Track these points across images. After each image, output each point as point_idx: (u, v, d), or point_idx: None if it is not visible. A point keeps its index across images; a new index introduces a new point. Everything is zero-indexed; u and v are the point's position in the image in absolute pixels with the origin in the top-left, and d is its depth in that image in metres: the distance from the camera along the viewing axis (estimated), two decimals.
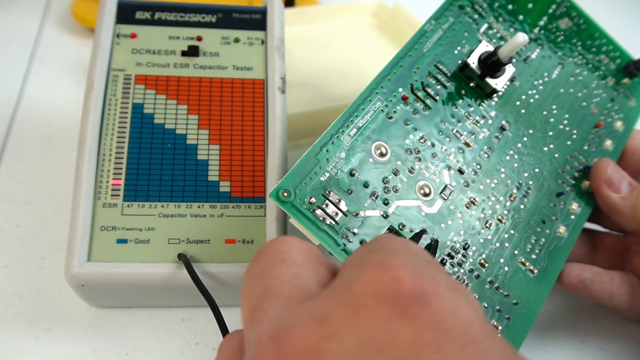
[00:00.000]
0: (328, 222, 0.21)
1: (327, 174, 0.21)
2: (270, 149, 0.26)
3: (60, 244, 0.28)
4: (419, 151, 0.23)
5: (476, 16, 0.25)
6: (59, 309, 0.26)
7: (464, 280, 0.22)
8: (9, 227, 0.29)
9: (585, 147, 0.27)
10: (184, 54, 0.27)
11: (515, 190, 0.24)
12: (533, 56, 0.27)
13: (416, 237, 0.21)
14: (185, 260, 0.23)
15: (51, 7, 0.42)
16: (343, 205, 0.21)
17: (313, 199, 0.20)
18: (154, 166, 0.25)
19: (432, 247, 0.22)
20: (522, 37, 0.22)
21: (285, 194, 0.20)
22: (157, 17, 0.28)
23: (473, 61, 0.24)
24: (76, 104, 0.33)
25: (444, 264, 0.22)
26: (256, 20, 0.29)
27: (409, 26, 0.39)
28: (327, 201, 0.21)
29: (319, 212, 0.21)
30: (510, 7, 0.26)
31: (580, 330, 0.28)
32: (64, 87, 0.36)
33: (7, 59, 0.38)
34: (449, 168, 0.23)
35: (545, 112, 0.26)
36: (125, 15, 0.28)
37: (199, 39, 0.28)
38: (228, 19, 0.29)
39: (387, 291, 0.13)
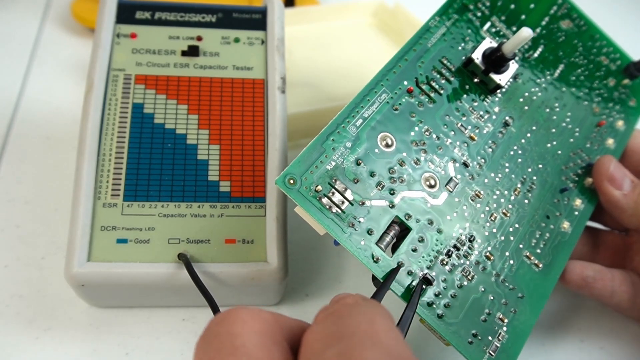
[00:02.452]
0: (334, 211, 0.20)
1: (333, 163, 0.21)
2: (270, 149, 0.26)
3: (60, 244, 0.28)
4: (424, 143, 0.23)
5: (479, 14, 0.25)
6: (59, 309, 0.26)
7: (470, 272, 0.22)
8: (9, 227, 0.29)
9: (588, 145, 0.27)
10: (184, 53, 0.27)
11: (519, 185, 0.24)
12: (536, 55, 0.27)
13: (388, 279, 0.20)
14: (185, 260, 0.23)
15: (51, 7, 0.42)
16: (349, 194, 0.21)
17: (319, 187, 0.20)
18: (154, 166, 0.25)
19: (417, 287, 0.21)
20: (526, 32, 0.22)
21: (292, 181, 0.20)
22: (157, 17, 0.28)
23: (477, 57, 0.24)
24: (76, 104, 0.33)
25: (450, 256, 0.22)
26: (256, 20, 0.29)
27: (409, 26, 0.39)
28: (333, 189, 0.21)
29: (325, 200, 0.20)
30: (512, 6, 0.26)
31: (580, 330, 0.28)
32: (64, 87, 0.36)
33: (7, 59, 0.38)
34: (454, 161, 0.23)
35: (548, 110, 0.26)
36: (125, 15, 0.28)
37: (199, 38, 0.28)
38: (228, 18, 0.29)
39: None
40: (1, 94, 0.35)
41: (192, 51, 0.27)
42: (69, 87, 0.36)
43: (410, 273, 0.21)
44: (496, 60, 0.24)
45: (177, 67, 0.27)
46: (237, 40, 0.28)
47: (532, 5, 0.27)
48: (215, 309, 0.21)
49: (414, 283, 0.21)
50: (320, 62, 0.38)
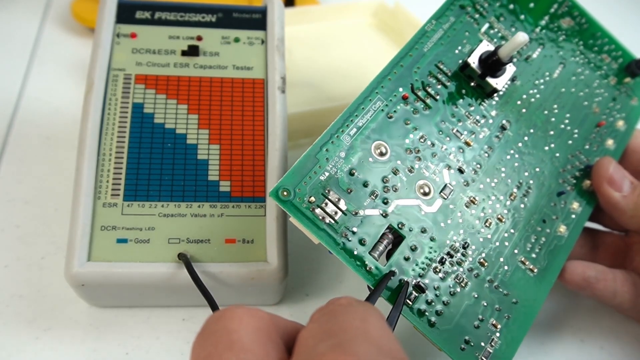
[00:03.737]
0: (327, 221, 0.21)
1: (327, 173, 0.21)
2: (270, 149, 0.26)
3: (60, 244, 0.28)
4: (418, 150, 0.23)
5: (477, 16, 0.25)
6: (59, 309, 0.26)
7: (463, 279, 0.22)
8: (9, 227, 0.29)
9: (587, 147, 0.27)
10: (184, 53, 0.27)
11: (515, 190, 0.24)
12: (534, 55, 0.26)
13: (381, 283, 0.20)
14: (185, 260, 0.23)
15: (51, 7, 0.42)
16: (342, 204, 0.21)
17: (312, 198, 0.20)
18: (154, 166, 0.25)
19: (402, 290, 0.21)
20: (522, 37, 0.22)
21: (285, 193, 0.20)
22: (157, 16, 0.28)
23: (474, 61, 0.24)
24: (76, 104, 0.33)
25: (443, 263, 0.22)
26: (256, 20, 0.29)
27: (409, 26, 0.39)
28: (326, 200, 0.21)
29: (318, 211, 0.20)
30: (511, 6, 0.26)
31: (580, 330, 0.28)
32: (64, 87, 0.36)
33: (7, 59, 0.38)
34: (449, 167, 0.23)
35: (546, 112, 0.26)
36: (125, 15, 0.28)
37: (199, 38, 0.28)
38: (228, 18, 0.29)
39: None
40: (1, 94, 0.35)
41: (192, 51, 0.27)
42: (69, 87, 0.36)
43: (400, 281, 0.21)
44: (493, 64, 0.24)
45: (177, 67, 0.27)
46: (237, 40, 0.28)
47: (531, 4, 0.27)
48: (215, 309, 0.21)
49: (401, 286, 0.21)
50: (320, 62, 0.38)
